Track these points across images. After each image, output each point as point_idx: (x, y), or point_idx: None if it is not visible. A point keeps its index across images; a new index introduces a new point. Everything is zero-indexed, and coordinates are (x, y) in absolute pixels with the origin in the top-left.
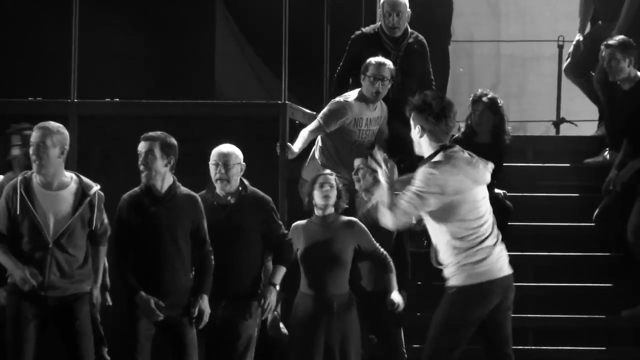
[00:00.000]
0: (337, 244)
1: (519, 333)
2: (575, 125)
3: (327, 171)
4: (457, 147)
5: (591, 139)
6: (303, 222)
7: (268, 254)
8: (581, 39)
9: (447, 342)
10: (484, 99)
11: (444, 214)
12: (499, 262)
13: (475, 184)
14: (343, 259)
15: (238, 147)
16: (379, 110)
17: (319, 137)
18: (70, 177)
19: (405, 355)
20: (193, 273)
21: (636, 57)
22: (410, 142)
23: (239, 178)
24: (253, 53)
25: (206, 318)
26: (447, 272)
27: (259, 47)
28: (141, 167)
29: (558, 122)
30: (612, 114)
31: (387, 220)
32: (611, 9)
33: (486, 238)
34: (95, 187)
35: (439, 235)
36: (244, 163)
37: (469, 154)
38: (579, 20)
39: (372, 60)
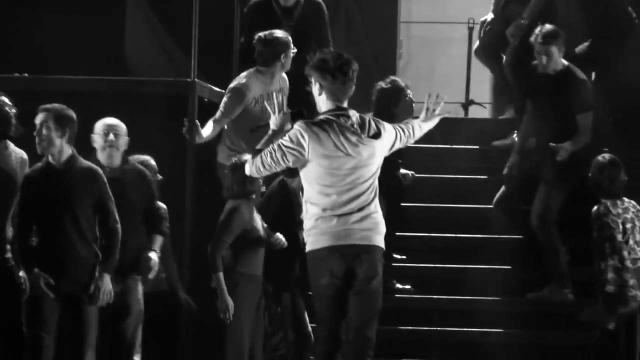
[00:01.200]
0: (261, 226)
1: (424, 314)
2: (484, 107)
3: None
4: (351, 112)
5: (500, 122)
6: (244, 200)
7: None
8: (489, 19)
9: (317, 309)
10: (407, 89)
11: (304, 175)
12: (346, 232)
13: (340, 153)
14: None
15: (147, 124)
16: (280, 82)
17: None
18: None
19: (311, 334)
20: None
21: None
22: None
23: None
24: (163, 30)
25: (104, 296)
26: (304, 239)
27: (169, 24)
28: (36, 139)
29: (467, 104)
30: (528, 97)
31: (247, 165)
32: None
33: (338, 207)
34: None
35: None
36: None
37: (356, 125)
38: (492, 2)
39: (280, 36)
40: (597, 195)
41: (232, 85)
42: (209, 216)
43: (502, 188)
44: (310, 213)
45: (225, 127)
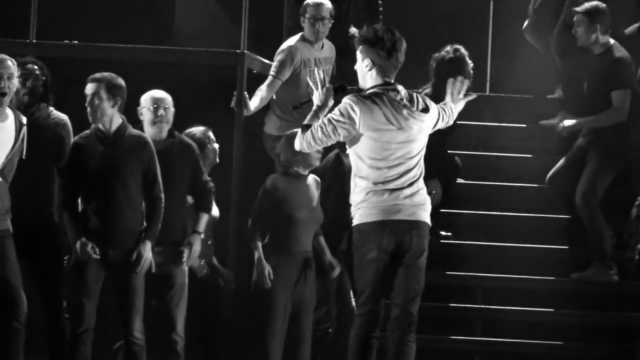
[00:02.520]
0: (316, 202)
1: (468, 290)
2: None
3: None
4: (399, 87)
5: (548, 101)
6: (279, 175)
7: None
8: None
9: (360, 284)
10: (467, 58)
11: (354, 149)
12: (397, 207)
13: (392, 127)
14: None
15: (196, 95)
16: (328, 51)
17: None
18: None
19: (355, 308)
20: None
21: (607, 22)
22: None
23: None
24: (213, 0)
25: (144, 264)
26: (352, 212)
27: None
28: (88, 109)
29: None
30: (575, 76)
31: (296, 141)
32: None
33: (389, 181)
34: (25, 118)
35: (354, 169)
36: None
37: (405, 100)
38: None
39: (310, 1)
40: None
41: (280, 48)
42: (256, 188)
43: (557, 164)
44: (359, 187)
45: (274, 97)
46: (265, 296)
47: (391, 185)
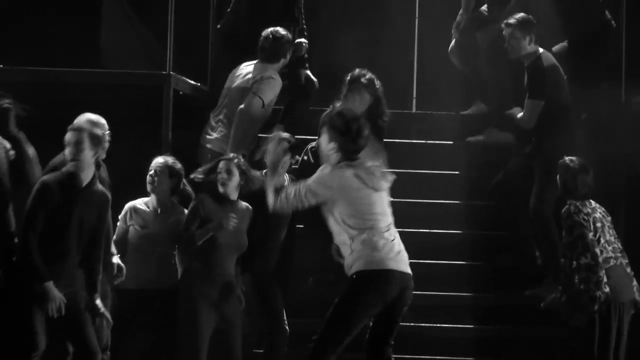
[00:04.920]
0: (242, 229)
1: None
2: None
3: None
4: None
5: (468, 118)
6: (207, 197)
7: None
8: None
9: (341, 325)
10: (363, 79)
11: (339, 209)
12: (398, 257)
13: (367, 188)
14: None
15: (122, 116)
16: None
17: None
18: None
19: (287, 328)
20: None
21: (536, 33)
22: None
23: None
24: (139, 22)
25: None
26: (347, 263)
27: (146, 15)
28: (70, 157)
29: None
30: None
31: (269, 197)
32: None
33: (383, 232)
34: None
35: (337, 228)
36: None
37: (371, 165)
38: None
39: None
40: (565, 197)
41: (272, 75)
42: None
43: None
44: (353, 238)
45: (222, 116)
46: (190, 323)
47: (385, 236)
